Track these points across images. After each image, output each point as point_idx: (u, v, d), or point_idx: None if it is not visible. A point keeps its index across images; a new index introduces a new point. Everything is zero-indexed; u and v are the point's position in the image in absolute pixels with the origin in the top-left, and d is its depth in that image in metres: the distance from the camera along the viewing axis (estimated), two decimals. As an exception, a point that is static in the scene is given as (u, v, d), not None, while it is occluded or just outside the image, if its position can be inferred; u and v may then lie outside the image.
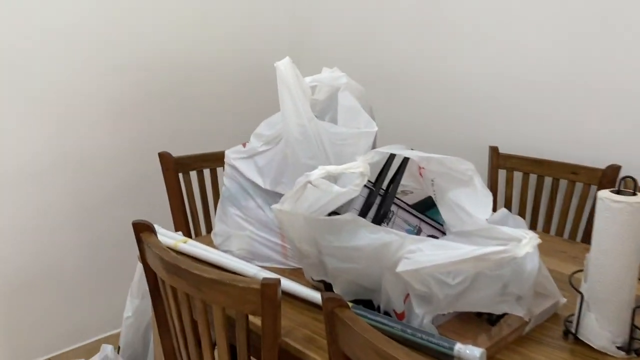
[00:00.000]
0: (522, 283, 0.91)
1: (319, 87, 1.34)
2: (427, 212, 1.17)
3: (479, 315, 0.98)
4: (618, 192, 0.91)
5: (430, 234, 1.11)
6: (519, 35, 1.96)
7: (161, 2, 2.28)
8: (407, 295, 0.96)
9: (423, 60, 2.26)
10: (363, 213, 1.06)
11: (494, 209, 1.06)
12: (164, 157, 1.86)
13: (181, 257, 1.02)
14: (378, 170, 1.07)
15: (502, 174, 2.06)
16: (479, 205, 0.92)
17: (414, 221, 1.11)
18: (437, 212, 1.15)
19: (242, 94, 2.64)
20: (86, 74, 2.10)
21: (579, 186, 1.83)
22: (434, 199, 1.07)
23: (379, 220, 1.06)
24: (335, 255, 0.97)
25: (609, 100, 1.78)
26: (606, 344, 0.93)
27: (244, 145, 1.35)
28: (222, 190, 1.39)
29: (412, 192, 1.21)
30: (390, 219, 1.06)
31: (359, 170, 0.87)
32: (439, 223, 1.12)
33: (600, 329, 0.93)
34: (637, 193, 0.91)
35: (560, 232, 1.81)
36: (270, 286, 0.88)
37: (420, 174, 1.12)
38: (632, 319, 0.94)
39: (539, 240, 0.85)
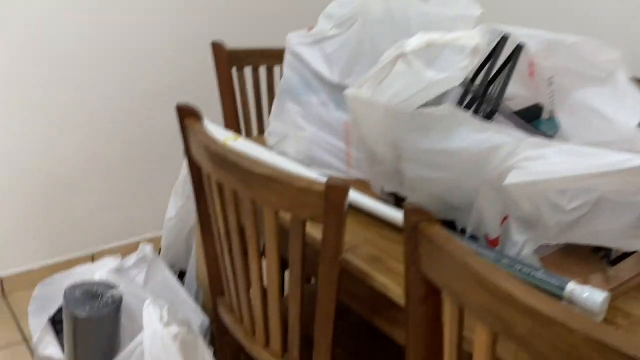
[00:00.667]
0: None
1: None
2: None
3: (597, 250, 0.78)
4: None
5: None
6: None
7: None
8: (505, 218, 0.76)
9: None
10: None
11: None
12: (217, 48, 1.67)
13: (230, 149, 0.84)
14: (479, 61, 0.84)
15: None
16: (623, 108, 0.69)
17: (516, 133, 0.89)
18: (544, 123, 0.93)
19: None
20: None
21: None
22: (548, 103, 0.84)
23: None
24: (419, 161, 0.78)
25: None
26: None
27: (310, 28, 1.13)
28: (280, 82, 1.20)
29: (512, 99, 0.98)
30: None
31: (472, 42, 0.65)
32: (548, 135, 0.90)
33: None
34: None
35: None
36: (336, 189, 0.70)
37: (531, 73, 0.88)
38: None
39: None
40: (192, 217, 1.54)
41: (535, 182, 0.63)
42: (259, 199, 0.80)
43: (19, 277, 1.99)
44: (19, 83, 1.85)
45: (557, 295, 0.69)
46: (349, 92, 0.79)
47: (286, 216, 0.79)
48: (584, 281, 0.76)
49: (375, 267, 0.83)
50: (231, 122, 1.71)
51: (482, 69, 0.85)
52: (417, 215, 0.64)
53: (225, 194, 0.89)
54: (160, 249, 1.65)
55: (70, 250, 2.09)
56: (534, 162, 0.62)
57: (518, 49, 0.79)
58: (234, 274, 0.97)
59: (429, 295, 0.67)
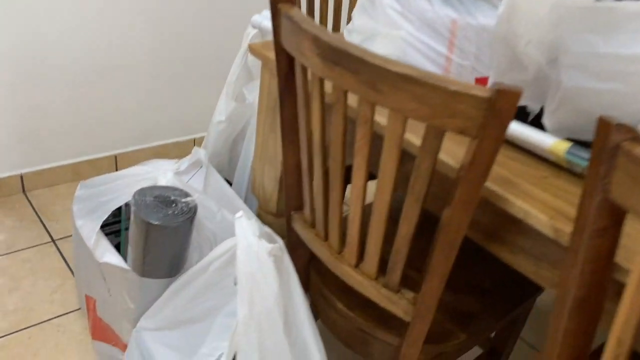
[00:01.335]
0: None
1: None
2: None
3: None
4: None
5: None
6: None
7: None
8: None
9: None
10: None
11: None
12: None
13: (350, 43, 0.71)
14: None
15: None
16: None
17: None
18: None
19: None
20: None
21: None
22: None
23: None
24: (587, 68, 0.65)
25: None
26: None
27: None
28: (372, -30, 1.03)
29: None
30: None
31: None
32: None
33: None
34: None
35: None
36: (508, 95, 0.58)
37: None
38: None
39: None
40: (242, 121, 1.42)
41: None
42: (388, 104, 0.68)
43: (39, 175, 1.88)
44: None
45: None
46: None
47: (417, 126, 0.68)
48: None
49: (510, 190, 0.73)
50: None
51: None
52: (621, 133, 0.52)
53: (334, 96, 0.76)
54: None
55: (93, 151, 1.97)
56: None
57: None
58: (325, 190, 0.87)
59: (609, 228, 0.57)
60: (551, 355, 0.63)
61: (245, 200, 1.38)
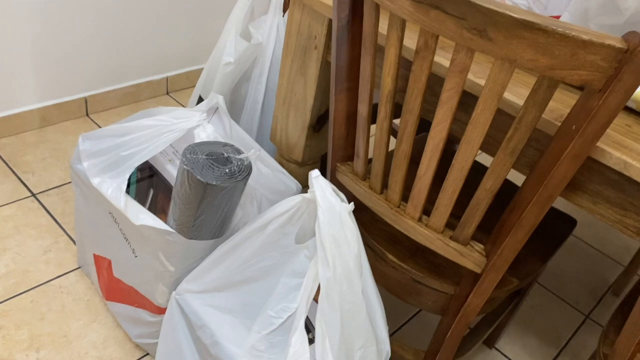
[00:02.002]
0: None
1: None
2: None
3: None
4: None
5: None
6: None
7: None
8: None
9: None
10: None
11: None
12: None
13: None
14: None
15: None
16: None
17: None
18: None
19: None
20: None
21: None
22: None
23: None
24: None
25: None
26: None
27: None
28: None
29: None
30: None
31: None
32: None
33: None
34: None
35: None
36: (653, 46, 0.55)
37: None
38: None
39: None
40: (248, 62, 1.32)
41: None
42: (498, 53, 0.63)
43: (4, 121, 1.70)
44: None
45: None
46: None
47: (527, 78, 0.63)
48: None
49: (603, 141, 0.71)
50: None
51: None
52: None
53: (418, 43, 0.70)
54: (199, 97, 1.43)
55: (60, 94, 1.79)
56: None
57: None
58: (388, 142, 0.82)
59: None
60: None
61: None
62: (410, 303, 0.99)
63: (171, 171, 1.04)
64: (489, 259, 0.81)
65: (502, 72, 0.65)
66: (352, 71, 0.87)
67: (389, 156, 0.88)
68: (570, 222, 1.11)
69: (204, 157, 0.80)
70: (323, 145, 1.20)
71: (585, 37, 0.57)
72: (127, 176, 0.97)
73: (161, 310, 1.02)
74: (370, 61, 0.80)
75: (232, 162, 0.81)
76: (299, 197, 0.80)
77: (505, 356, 1.37)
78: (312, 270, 0.77)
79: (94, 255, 1.21)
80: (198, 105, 1.14)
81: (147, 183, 1.14)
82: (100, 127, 1.84)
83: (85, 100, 1.85)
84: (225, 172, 0.79)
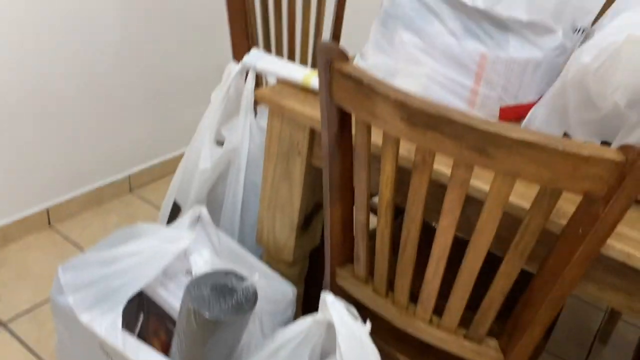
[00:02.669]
0: None
1: None
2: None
3: None
4: None
5: None
6: None
7: None
8: None
9: None
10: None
11: None
12: (225, -45, 1.36)
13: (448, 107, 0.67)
14: None
15: None
16: None
17: None
18: None
19: None
20: None
21: None
22: None
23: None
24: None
25: None
26: None
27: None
28: (384, 6, 0.98)
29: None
30: None
31: None
32: None
33: None
34: None
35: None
36: (650, 157, 0.58)
37: None
38: None
39: None
40: (223, 165, 1.31)
41: None
42: (499, 168, 0.65)
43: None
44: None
45: None
46: (635, 34, 0.63)
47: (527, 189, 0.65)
48: None
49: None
50: (241, 50, 1.44)
51: None
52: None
53: (415, 159, 0.72)
54: (175, 203, 1.41)
55: (20, 208, 1.71)
56: None
57: None
58: (391, 248, 0.82)
59: None
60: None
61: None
62: (427, 401, 0.97)
63: (164, 295, 1.00)
64: (506, 356, 0.81)
65: (504, 185, 0.67)
66: (345, 181, 0.87)
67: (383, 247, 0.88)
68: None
69: (208, 291, 0.77)
70: (312, 243, 1.19)
71: (585, 152, 0.60)
72: (121, 310, 0.92)
73: None
74: (365, 175, 0.81)
75: (237, 291, 0.78)
76: (310, 320, 0.78)
77: None
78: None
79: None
80: (181, 219, 1.12)
81: (136, 306, 1.09)
82: (65, 237, 1.76)
83: (47, 210, 1.78)
84: (232, 304, 0.77)
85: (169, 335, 0.96)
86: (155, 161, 2.10)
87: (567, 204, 0.79)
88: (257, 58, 1.12)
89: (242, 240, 1.36)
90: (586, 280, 0.80)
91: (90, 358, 1.02)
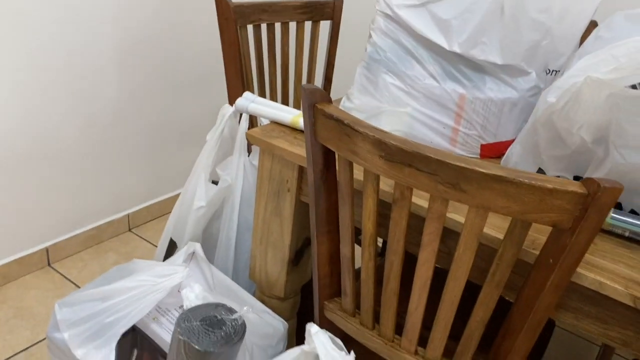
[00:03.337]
0: None
1: None
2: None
3: None
4: None
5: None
6: None
7: None
8: None
9: None
10: None
11: None
12: (221, 4, 1.43)
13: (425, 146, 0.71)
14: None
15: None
16: None
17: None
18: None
19: None
20: None
21: None
22: None
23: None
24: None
25: None
26: None
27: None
28: (368, 51, 1.04)
29: None
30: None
31: None
32: None
33: None
34: None
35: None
36: (612, 191, 0.62)
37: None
38: None
39: None
40: (218, 203, 1.35)
41: None
42: (472, 202, 0.69)
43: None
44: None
45: None
46: (592, 76, 0.68)
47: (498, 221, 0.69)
48: None
49: (584, 266, 0.77)
50: (236, 92, 1.50)
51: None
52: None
53: (395, 194, 0.76)
54: (171, 240, 1.44)
55: (20, 248, 1.75)
56: None
57: None
58: (376, 281, 0.85)
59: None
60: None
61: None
62: None
63: (156, 330, 1.02)
64: (490, 385, 0.83)
65: (477, 218, 0.70)
66: (331, 215, 0.91)
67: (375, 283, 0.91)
68: (549, 324, 1.15)
69: (198, 323, 0.80)
70: (303, 277, 1.22)
71: (549, 185, 0.64)
72: (114, 345, 0.94)
73: None
74: (348, 210, 0.85)
75: (226, 324, 0.81)
76: (298, 351, 0.80)
77: None
78: None
79: None
80: (175, 255, 1.15)
81: (130, 341, 1.11)
82: (63, 276, 1.79)
83: (47, 250, 1.81)
84: (221, 335, 0.79)
85: (162, 369, 0.98)
86: (154, 201, 2.14)
87: (541, 236, 0.82)
88: (249, 101, 1.17)
89: (236, 277, 1.39)
90: (564, 310, 0.82)
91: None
